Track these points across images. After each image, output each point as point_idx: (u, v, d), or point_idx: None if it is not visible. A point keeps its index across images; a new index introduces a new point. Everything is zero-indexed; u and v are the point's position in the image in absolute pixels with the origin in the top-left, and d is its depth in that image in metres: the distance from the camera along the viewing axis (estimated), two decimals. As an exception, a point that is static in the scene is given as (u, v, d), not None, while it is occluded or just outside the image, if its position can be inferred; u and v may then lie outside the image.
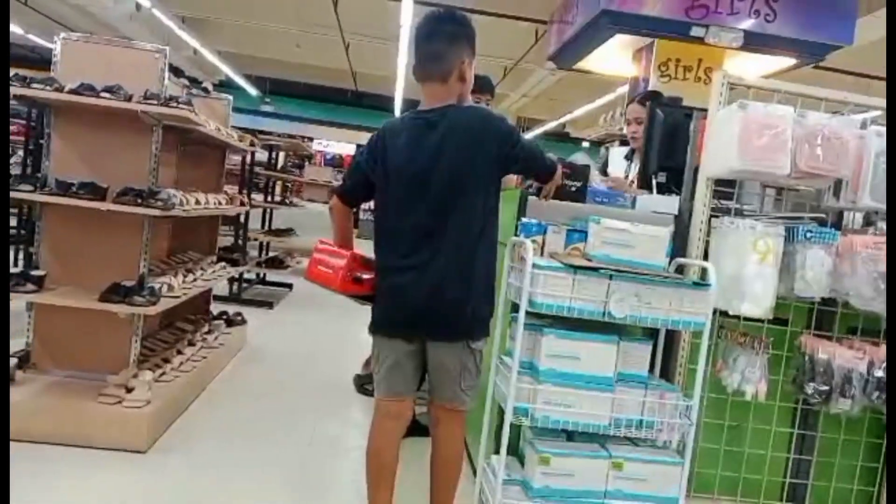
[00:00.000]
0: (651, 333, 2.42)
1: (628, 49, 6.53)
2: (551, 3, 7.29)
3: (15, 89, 3.10)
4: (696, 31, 5.89)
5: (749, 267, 2.25)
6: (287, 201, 8.69)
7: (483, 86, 3.70)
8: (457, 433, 2.38)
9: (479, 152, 2.22)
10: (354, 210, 2.63)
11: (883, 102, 2.53)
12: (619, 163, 3.89)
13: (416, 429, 2.95)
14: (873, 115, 2.57)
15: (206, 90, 4.62)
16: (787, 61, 6.34)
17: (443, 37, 2.27)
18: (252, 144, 5.29)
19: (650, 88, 5.94)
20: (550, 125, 15.46)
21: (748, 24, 5.87)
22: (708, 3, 5.87)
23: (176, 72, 4.89)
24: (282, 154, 9.21)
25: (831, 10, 5.93)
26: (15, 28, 10.22)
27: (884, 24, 6.38)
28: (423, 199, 2.22)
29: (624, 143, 4.27)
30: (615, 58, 6.76)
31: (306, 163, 12.42)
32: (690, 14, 5.86)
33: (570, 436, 2.28)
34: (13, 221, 6.08)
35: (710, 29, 5.89)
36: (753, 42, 5.94)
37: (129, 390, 3.16)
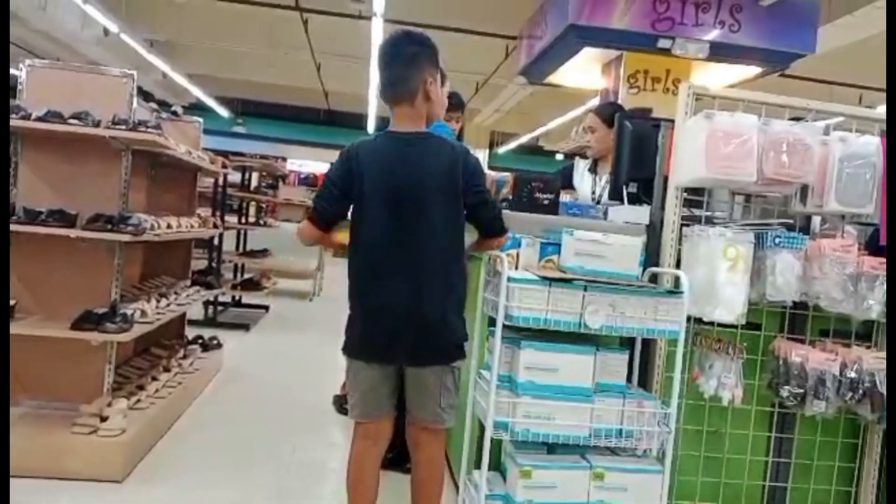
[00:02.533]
0: (628, 343, 2.44)
1: (597, 62, 6.62)
2: (521, 19, 7.38)
3: (-20, 117, 3.06)
4: (662, 43, 6.00)
5: (720, 274, 2.28)
6: (261, 222, 8.64)
7: (454, 104, 3.63)
8: (437, 453, 2.36)
9: (454, 178, 2.22)
10: None
11: (844, 108, 2.60)
12: (585, 175, 3.92)
13: (394, 462, 2.94)
14: (836, 121, 2.62)
15: (175, 113, 4.60)
16: (752, 70, 6.47)
17: (404, 59, 2.28)
18: (224, 166, 5.26)
19: (619, 100, 6.02)
20: (524, 139, 15.57)
21: (713, 34, 5.99)
22: (673, 15, 5.98)
23: (146, 96, 4.87)
24: (255, 175, 9.18)
25: (794, 20, 6.07)
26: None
27: (844, 34, 6.55)
28: (399, 214, 2.20)
29: (582, 156, 4.30)
30: (585, 71, 6.85)
31: (280, 183, 12.37)
32: (657, 26, 5.96)
33: (551, 448, 2.28)
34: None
35: (677, 41, 6.00)
36: (719, 52, 6.06)
37: (104, 419, 3.10)
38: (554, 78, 7.33)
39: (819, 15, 6.18)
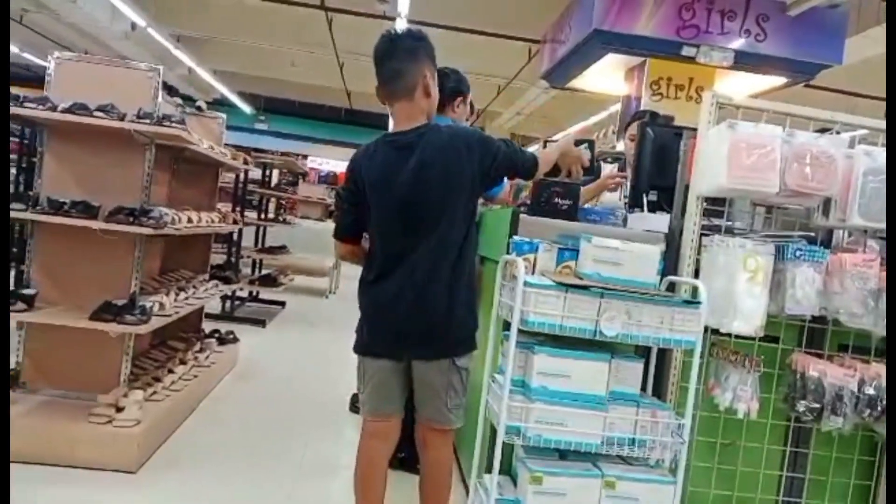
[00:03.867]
0: (643, 352, 2.42)
1: (620, 68, 6.60)
2: (544, 23, 7.36)
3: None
4: (687, 51, 5.96)
5: (739, 285, 2.25)
6: (281, 219, 8.69)
7: (451, 89, 3.29)
8: (445, 454, 2.37)
9: (458, 171, 2.21)
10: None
11: (870, 122, 2.56)
12: None
13: (404, 463, 2.94)
14: (861, 134, 2.59)
15: (199, 109, 4.64)
16: (777, 80, 6.41)
17: (401, 53, 2.27)
18: (245, 162, 5.30)
19: (643, 107, 6.00)
20: (540, 144, 15.53)
21: (739, 43, 5.94)
22: (699, 22, 5.94)
23: (170, 90, 4.92)
24: (275, 171, 9.23)
25: (821, 31, 6.00)
26: (10, 46, 10.25)
27: (872, 44, 6.46)
28: (403, 220, 2.22)
29: (616, 159, 4.29)
30: (607, 76, 6.83)
31: (300, 180, 12.45)
32: (682, 34, 5.93)
33: (563, 454, 2.27)
34: (5, 239, 6.06)
35: (701, 48, 5.96)
36: (744, 61, 6.02)
37: (120, 410, 3.14)
38: (576, 83, 7.31)
39: (847, 26, 6.11)
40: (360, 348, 2.35)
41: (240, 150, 5.43)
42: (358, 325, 2.36)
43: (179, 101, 4.12)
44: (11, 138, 7.08)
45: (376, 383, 2.31)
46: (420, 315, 2.21)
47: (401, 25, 7.49)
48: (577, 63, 6.70)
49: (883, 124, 2.59)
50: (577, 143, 2.63)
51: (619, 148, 6.27)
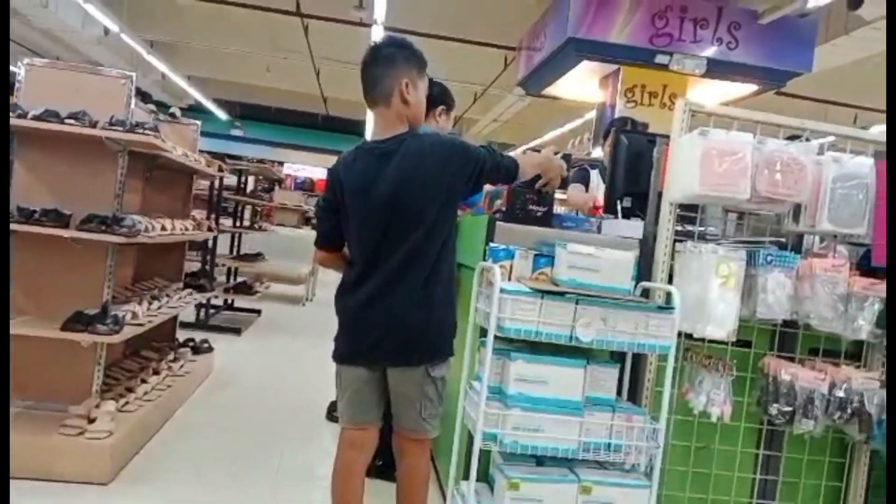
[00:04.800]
0: (618, 357, 2.44)
1: (595, 75, 6.67)
2: (520, 30, 7.41)
3: (-24, 115, 3.06)
4: (660, 59, 6.05)
5: (712, 290, 2.28)
6: (256, 226, 8.64)
7: (433, 96, 3.24)
8: (421, 463, 2.37)
9: (437, 180, 2.21)
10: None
11: (838, 129, 2.61)
12: (601, 188, 3.94)
13: (382, 472, 2.93)
14: (829, 141, 2.64)
15: (173, 115, 4.60)
16: (749, 87, 6.53)
17: (379, 61, 2.28)
18: (220, 170, 5.26)
19: (617, 114, 6.06)
20: (520, 150, 15.61)
21: (711, 51, 6.04)
22: (672, 31, 6.03)
23: (144, 96, 4.85)
24: (251, 178, 9.17)
25: (792, 39, 6.12)
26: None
27: (841, 53, 6.60)
28: (380, 228, 2.22)
29: (592, 166, 4.32)
30: (582, 84, 6.89)
31: (276, 187, 12.38)
32: (655, 42, 6.01)
33: (540, 460, 2.28)
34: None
35: (675, 56, 6.05)
36: (716, 69, 6.12)
37: (92, 421, 3.09)
38: (552, 90, 7.38)
39: (816, 34, 6.23)
40: (336, 356, 2.36)
41: (215, 157, 5.39)
42: (336, 335, 2.36)
43: (153, 107, 4.08)
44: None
45: (353, 392, 2.31)
46: (393, 322, 2.21)
47: (377, 32, 7.50)
48: (553, 70, 6.76)
49: (851, 131, 2.65)
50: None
51: (595, 155, 6.34)
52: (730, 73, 6.20)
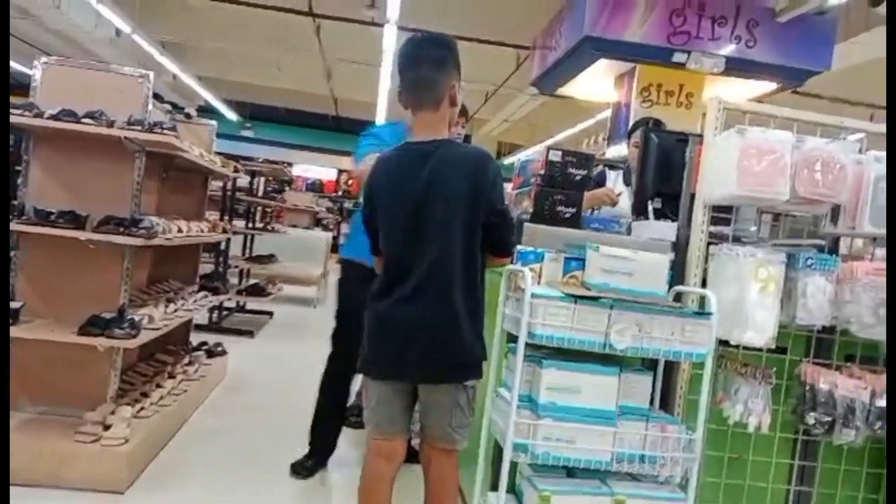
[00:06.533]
0: (650, 364, 2.36)
1: (610, 74, 6.57)
2: (534, 29, 7.33)
3: (-9, 115, 3.01)
4: (677, 57, 5.94)
5: (751, 295, 2.20)
6: (269, 227, 8.59)
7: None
8: (449, 474, 2.29)
9: (471, 189, 2.14)
10: None
11: (877, 128, 2.52)
12: (620, 187, 3.87)
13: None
14: (857, 138, 2.54)
15: (188, 116, 4.55)
16: (767, 86, 6.41)
17: (431, 62, 2.19)
18: (236, 170, 5.21)
19: (633, 114, 5.97)
20: (531, 150, 15.52)
21: (729, 49, 5.94)
22: (689, 29, 5.93)
23: (156, 97, 4.79)
24: (262, 179, 9.12)
25: (811, 37, 6.01)
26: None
27: (860, 50, 6.49)
28: (411, 228, 2.14)
29: (612, 167, 4.24)
30: (597, 83, 6.80)
31: (286, 188, 12.32)
32: (672, 40, 5.91)
33: (570, 472, 2.20)
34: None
35: (692, 55, 5.94)
36: (734, 68, 6.01)
37: (107, 427, 3.04)
38: (566, 90, 7.28)
39: (836, 32, 6.12)
40: (362, 367, 2.27)
41: (227, 158, 5.34)
42: (363, 342, 2.26)
43: (169, 107, 4.03)
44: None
45: (378, 402, 2.24)
46: (424, 337, 2.12)
47: (389, 32, 7.43)
48: (568, 69, 6.66)
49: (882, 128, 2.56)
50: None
51: (609, 155, 6.26)
52: (748, 71, 6.09)
